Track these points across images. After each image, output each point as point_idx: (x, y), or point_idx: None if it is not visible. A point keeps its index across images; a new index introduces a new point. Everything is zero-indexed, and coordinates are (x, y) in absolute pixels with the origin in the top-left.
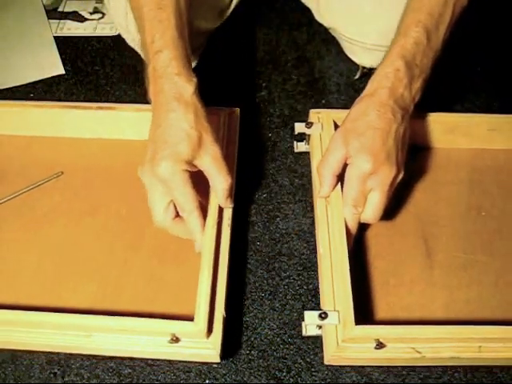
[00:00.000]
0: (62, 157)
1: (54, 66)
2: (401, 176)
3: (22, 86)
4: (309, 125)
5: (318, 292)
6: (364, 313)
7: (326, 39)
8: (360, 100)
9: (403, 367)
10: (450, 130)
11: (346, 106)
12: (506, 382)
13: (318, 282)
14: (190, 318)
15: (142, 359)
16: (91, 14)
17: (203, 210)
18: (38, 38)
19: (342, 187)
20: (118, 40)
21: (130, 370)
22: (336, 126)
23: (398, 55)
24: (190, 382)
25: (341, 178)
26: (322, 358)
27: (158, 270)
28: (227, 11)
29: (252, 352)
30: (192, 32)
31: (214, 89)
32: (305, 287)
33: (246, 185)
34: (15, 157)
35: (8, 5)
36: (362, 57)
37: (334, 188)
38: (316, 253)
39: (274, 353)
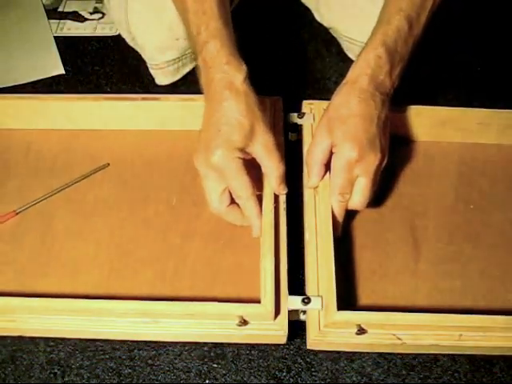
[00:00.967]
0: (107, 148)
1: (54, 66)
2: (385, 161)
3: (22, 85)
4: (301, 115)
5: None
6: (348, 300)
7: (326, 39)
8: (341, 87)
9: (403, 367)
10: (440, 124)
11: None
12: (506, 381)
13: None
14: (252, 302)
15: (142, 359)
16: (91, 14)
17: (258, 195)
18: (38, 38)
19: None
20: (118, 40)
21: (129, 370)
22: None
23: (379, 42)
24: (190, 382)
25: (329, 166)
26: (322, 358)
27: (214, 255)
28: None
29: (252, 352)
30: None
31: None
32: None
33: None
34: (62, 150)
35: (8, 5)
36: None
37: (322, 178)
38: None
39: (274, 353)
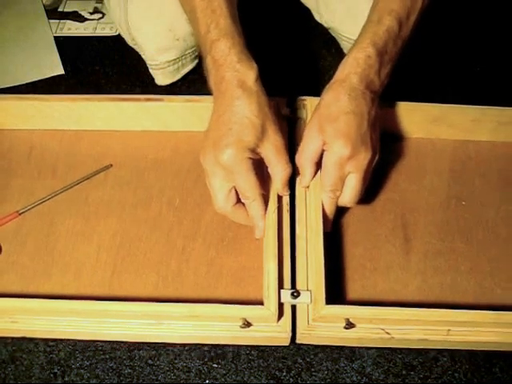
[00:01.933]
0: (110, 149)
1: (54, 66)
2: (377, 158)
3: (22, 85)
4: (293, 110)
5: None
6: (338, 295)
7: (326, 39)
8: (331, 86)
9: (403, 367)
10: (433, 121)
11: None
12: (506, 381)
13: None
14: (254, 303)
15: (142, 359)
16: (91, 13)
17: (263, 196)
18: (38, 37)
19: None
20: (118, 40)
21: (130, 370)
22: None
23: (369, 42)
24: (190, 382)
25: (320, 165)
26: (322, 358)
27: (216, 257)
28: None
29: (252, 352)
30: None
31: None
32: None
33: None
34: (65, 151)
35: (8, 5)
36: None
37: (314, 176)
38: None
39: (274, 353)
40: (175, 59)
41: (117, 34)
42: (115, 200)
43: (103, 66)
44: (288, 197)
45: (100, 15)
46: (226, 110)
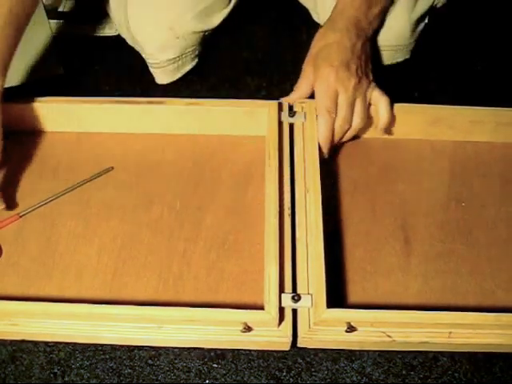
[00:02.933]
0: (111, 152)
1: (53, 66)
2: (367, 85)
3: (22, 85)
4: (292, 114)
5: None
6: (339, 298)
7: None
8: (320, 29)
9: (403, 367)
10: (432, 122)
11: None
12: (506, 381)
13: None
14: (255, 308)
15: (142, 359)
16: None
17: None
18: (38, 37)
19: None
20: (118, 40)
21: (130, 370)
22: None
23: None
24: (190, 382)
25: None
26: (322, 358)
27: (217, 261)
28: (226, 10)
29: (252, 352)
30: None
31: (213, 89)
32: None
33: None
34: (66, 153)
35: None
36: None
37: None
38: None
39: (274, 353)
40: (175, 58)
41: (117, 34)
42: (116, 203)
43: (103, 66)
44: (289, 201)
45: None
46: None
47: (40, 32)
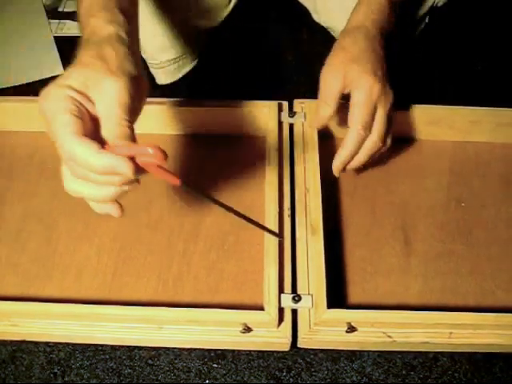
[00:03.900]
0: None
1: (54, 66)
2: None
3: (22, 85)
4: (292, 114)
5: None
6: (339, 299)
7: (326, 39)
8: (347, 31)
9: (403, 367)
10: (432, 122)
11: None
12: (506, 381)
13: None
14: (255, 308)
15: (142, 359)
16: None
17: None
18: (38, 38)
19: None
20: None
21: (129, 370)
22: None
23: None
24: (190, 382)
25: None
26: (322, 358)
27: (217, 261)
28: (226, 10)
29: (252, 352)
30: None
31: (213, 88)
32: None
33: None
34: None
35: (8, 5)
36: None
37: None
38: None
39: (274, 353)
40: (176, 58)
41: None
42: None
43: None
44: (289, 201)
45: None
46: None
47: (40, 32)
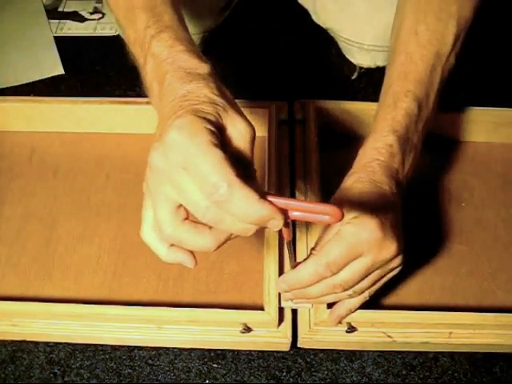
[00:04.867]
0: (111, 152)
1: (53, 66)
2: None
3: (22, 85)
4: (292, 114)
5: None
6: None
7: (326, 39)
8: (349, 177)
9: (403, 367)
10: None
11: None
12: (506, 381)
13: None
14: (255, 308)
15: (142, 359)
16: (91, 14)
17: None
18: (38, 37)
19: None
20: (117, 40)
21: (129, 370)
22: (319, 115)
23: (389, 129)
24: (190, 382)
25: None
26: (322, 358)
27: (217, 261)
28: (226, 10)
29: (252, 352)
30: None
31: None
32: None
33: None
34: (66, 153)
35: (8, 5)
36: (359, 57)
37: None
38: None
39: (274, 353)
40: None
41: (117, 34)
42: (116, 203)
43: (103, 66)
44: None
45: (100, 15)
46: (175, 97)
47: (40, 32)
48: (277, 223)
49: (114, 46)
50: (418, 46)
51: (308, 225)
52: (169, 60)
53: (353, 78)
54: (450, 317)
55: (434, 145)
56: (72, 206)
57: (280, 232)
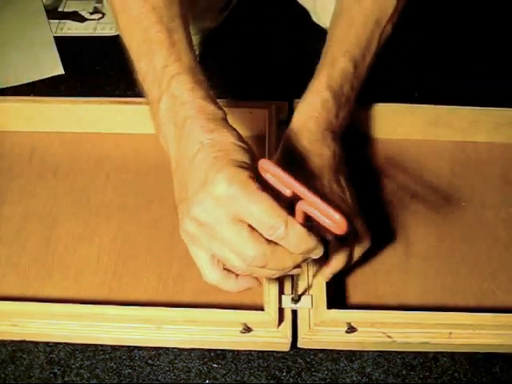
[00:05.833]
0: (111, 152)
1: (53, 66)
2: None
3: (22, 85)
4: (292, 114)
5: None
6: (339, 299)
7: (326, 40)
8: (287, 133)
9: (403, 367)
10: (432, 122)
11: None
12: (506, 381)
13: None
14: (255, 308)
15: (142, 359)
16: (91, 13)
17: None
18: (38, 38)
19: None
20: (118, 40)
21: (129, 370)
22: None
23: (325, 85)
24: (190, 382)
25: None
26: (322, 358)
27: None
28: (225, 11)
29: (252, 352)
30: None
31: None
32: None
33: None
34: (66, 153)
35: (8, 5)
36: None
37: None
38: None
39: (274, 353)
40: None
41: (117, 33)
42: (116, 203)
43: (103, 66)
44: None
45: (100, 15)
46: (201, 147)
47: (40, 32)
48: (318, 252)
49: (114, 46)
50: (359, 14)
51: None
52: (188, 105)
53: None
54: (449, 317)
55: (434, 144)
56: (72, 206)
57: None
